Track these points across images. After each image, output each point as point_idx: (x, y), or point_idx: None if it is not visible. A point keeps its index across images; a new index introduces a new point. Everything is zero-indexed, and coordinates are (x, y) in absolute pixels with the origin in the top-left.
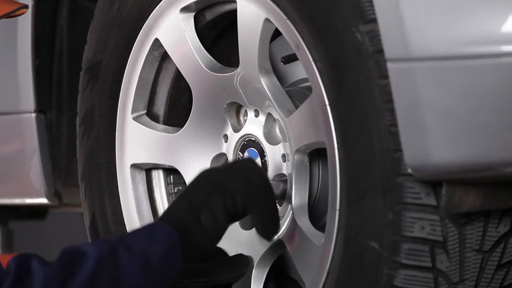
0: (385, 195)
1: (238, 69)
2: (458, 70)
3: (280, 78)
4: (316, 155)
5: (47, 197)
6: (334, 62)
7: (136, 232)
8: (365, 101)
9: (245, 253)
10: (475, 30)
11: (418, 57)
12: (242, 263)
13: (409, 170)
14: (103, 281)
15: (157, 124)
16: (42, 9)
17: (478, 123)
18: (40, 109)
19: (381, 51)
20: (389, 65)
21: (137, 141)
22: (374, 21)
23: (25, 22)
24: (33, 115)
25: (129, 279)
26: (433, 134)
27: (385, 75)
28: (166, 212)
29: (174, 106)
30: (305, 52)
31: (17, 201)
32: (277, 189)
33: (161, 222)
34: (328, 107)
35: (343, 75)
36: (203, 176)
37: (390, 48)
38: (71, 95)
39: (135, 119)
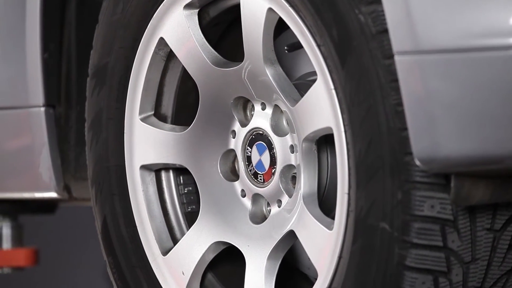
0: (393, 174)
1: (244, 62)
2: (466, 62)
3: (287, 73)
4: (324, 144)
5: (57, 191)
6: (338, 45)
7: None
8: (370, 82)
9: (255, 246)
10: (484, 23)
11: (426, 50)
12: None
13: (418, 163)
14: None
15: (165, 124)
16: (50, 3)
17: (487, 115)
18: (49, 103)
19: (384, 31)
20: (397, 58)
21: (146, 142)
22: (376, 1)
23: (33, 16)
24: (42, 109)
25: None
26: (442, 127)
27: (389, 55)
28: None
29: (181, 106)
30: (308, 38)
31: (27, 195)
32: None
33: None
34: (334, 91)
35: (347, 57)
36: None
37: (398, 41)
38: (80, 89)
39: (143, 120)
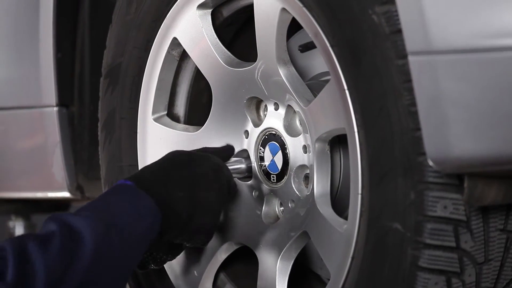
0: (406, 175)
1: (258, 62)
2: (480, 62)
3: (300, 73)
4: (337, 145)
5: (70, 191)
6: (351, 45)
7: (125, 205)
8: (383, 82)
9: (268, 246)
10: (497, 23)
11: (440, 50)
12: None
13: (431, 163)
14: (100, 268)
15: (178, 124)
16: (64, 3)
17: (501, 116)
18: (62, 103)
19: (398, 31)
20: (411, 58)
21: (159, 142)
22: (390, 2)
23: (47, 16)
24: (55, 109)
25: (120, 260)
26: (455, 127)
27: (402, 55)
28: (167, 184)
29: (194, 106)
30: (322, 38)
31: (40, 194)
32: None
33: (150, 201)
34: (347, 91)
35: (360, 58)
36: (216, 172)
37: (411, 41)
38: (93, 89)
39: (156, 120)
